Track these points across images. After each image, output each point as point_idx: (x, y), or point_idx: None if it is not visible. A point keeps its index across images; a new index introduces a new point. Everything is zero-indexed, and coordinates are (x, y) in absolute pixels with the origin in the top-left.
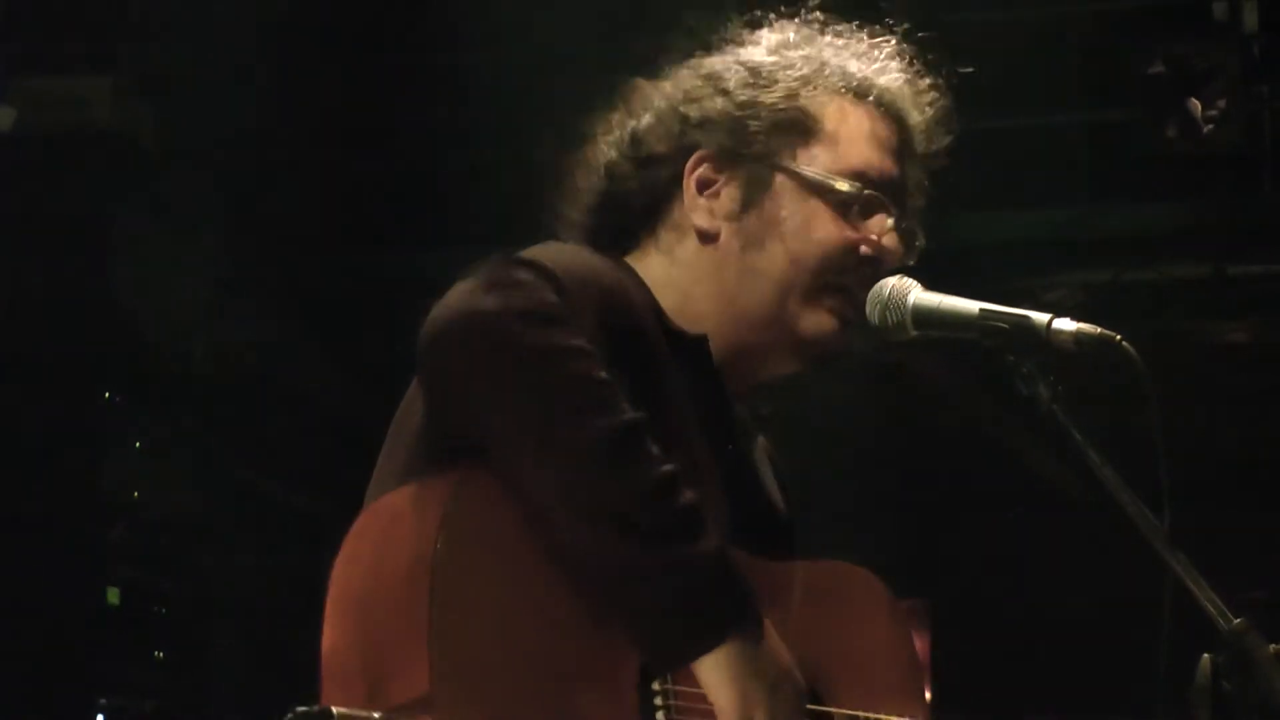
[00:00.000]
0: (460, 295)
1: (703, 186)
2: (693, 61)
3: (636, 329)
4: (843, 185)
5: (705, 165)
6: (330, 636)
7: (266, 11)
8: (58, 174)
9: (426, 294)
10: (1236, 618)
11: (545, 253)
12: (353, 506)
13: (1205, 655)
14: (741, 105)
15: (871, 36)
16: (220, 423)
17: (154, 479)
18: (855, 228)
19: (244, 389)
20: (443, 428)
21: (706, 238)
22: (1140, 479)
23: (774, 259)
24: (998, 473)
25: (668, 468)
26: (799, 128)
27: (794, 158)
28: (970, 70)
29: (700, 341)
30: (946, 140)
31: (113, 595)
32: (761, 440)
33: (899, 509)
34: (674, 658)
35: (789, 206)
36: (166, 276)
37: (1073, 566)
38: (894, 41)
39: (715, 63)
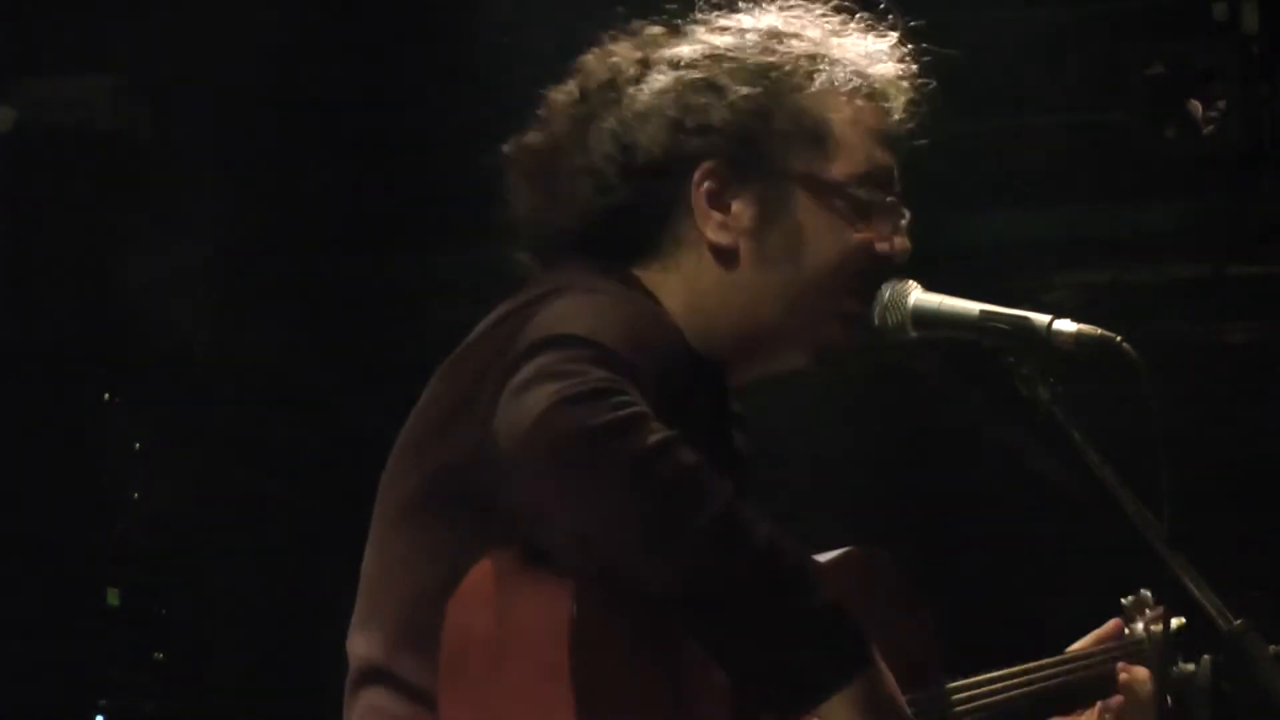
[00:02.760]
0: (538, 412)
1: (712, 199)
2: (668, 54)
3: (676, 372)
4: (862, 192)
5: (713, 178)
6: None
7: (267, 12)
8: (58, 174)
9: (427, 295)
10: (1236, 618)
11: (598, 324)
12: (353, 507)
13: (1205, 655)
14: (745, 111)
15: (847, 13)
16: (220, 423)
17: (154, 479)
18: (872, 231)
19: (244, 389)
20: (541, 542)
21: (724, 255)
22: (1140, 479)
23: (797, 272)
24: (998, 473)
25: (767, 529)
26: (810, 134)
27: (808, 164)
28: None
29: (718, 368)
30: (920, 118)
31: (113, 595)
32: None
33: (898, 509)
34: (808, 698)
35: (809, 217)
36: (166, 276)
37: (1073, 567)
38: (875, 21)
39: (697, 54)
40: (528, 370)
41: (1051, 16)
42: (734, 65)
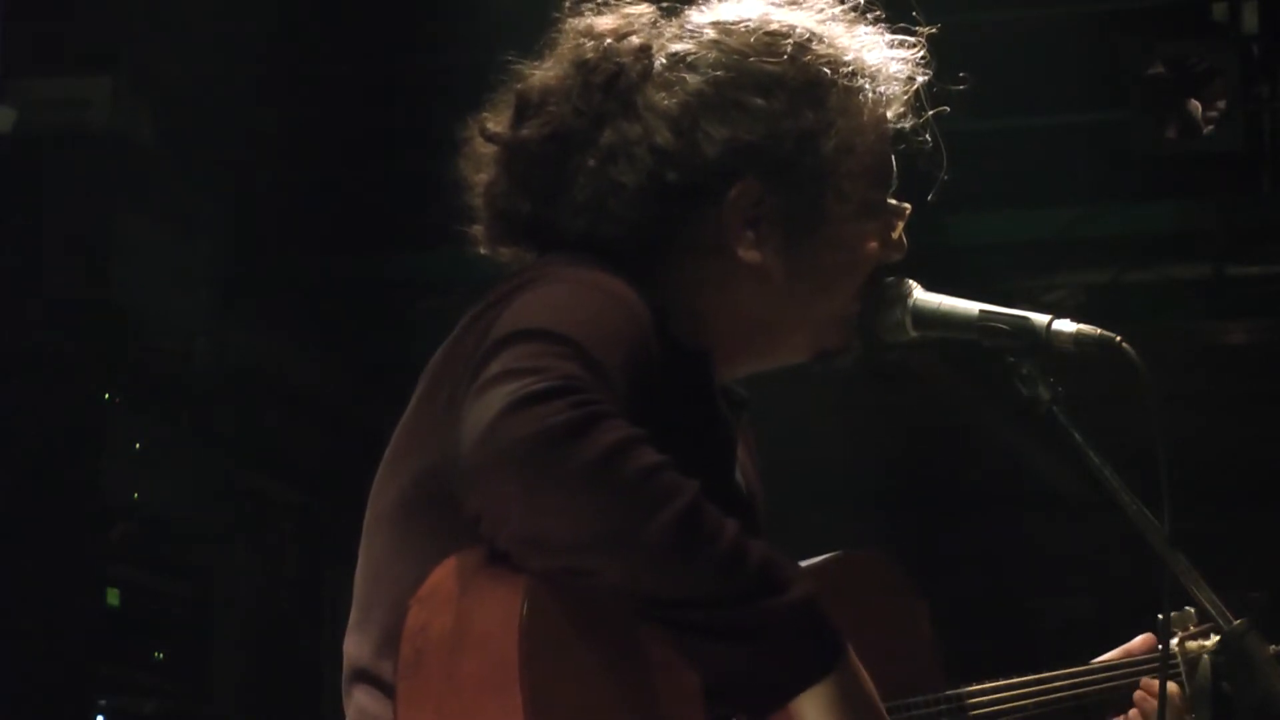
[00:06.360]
0: (494, 414)
1: (746, 216)
2: (678, 48)
3: (652, 365)
4: (877, 197)
5: (748, 195)
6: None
7: (267, 12)
8: (58, 174)
9: (426, 294)
10: (1236, 618)
11: (563, 315)
12: (353, 506)
13: (1205, 655)
14: (778, 128)
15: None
16: (220, 423)
17: (154, 479)
18: (883, 235)
19: (244, 389)
20: (499, 543)
21: (753, 271)
22: (1140, 480)
23: (823, 285)
24: (998, 473)
25: (733, 528)
26: (842, 146)
27: (838, 177)
28: (963, 76)
29: (704, 357)
30: (922, 117)
31: (113, 595)
32: (741, 425)
33: (898, 509)
34: (778, 695)
35: (835, 228)
36: (166, 277)
37: (1073, 566)
38: (875, 20)
39: (715, 56)
40: (490, 370)
41: (1051, 16)
42: (760, 73)
